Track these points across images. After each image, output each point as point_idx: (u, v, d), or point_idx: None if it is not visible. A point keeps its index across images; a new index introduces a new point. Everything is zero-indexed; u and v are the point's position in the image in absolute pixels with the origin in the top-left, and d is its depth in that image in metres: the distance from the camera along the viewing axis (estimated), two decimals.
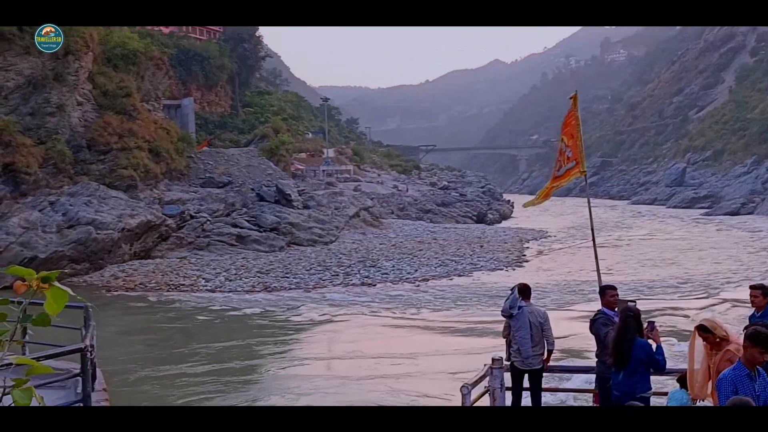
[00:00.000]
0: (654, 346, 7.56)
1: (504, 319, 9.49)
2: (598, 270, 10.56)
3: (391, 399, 15.37)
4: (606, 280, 31.80)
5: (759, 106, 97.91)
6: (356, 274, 35.90)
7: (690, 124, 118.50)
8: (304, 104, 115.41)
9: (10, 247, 32.49)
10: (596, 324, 8.52)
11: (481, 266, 38.22)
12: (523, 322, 9.18)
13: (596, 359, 8.70)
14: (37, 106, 37.50)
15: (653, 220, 70.93)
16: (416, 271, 36.89)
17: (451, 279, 34.82)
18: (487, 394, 8.31)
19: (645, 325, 7.75)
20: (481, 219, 69.01)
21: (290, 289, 32.80)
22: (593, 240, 10.87)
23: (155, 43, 55.22)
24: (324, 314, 27.00)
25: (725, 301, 27.70)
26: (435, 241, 48.55)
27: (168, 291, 32.24)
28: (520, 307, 9.23)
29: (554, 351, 9.77)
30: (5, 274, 27.67)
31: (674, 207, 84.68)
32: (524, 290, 9.48)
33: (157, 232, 39.15)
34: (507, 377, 8.86)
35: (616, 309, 8.49)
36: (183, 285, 33.18)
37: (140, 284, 33.13)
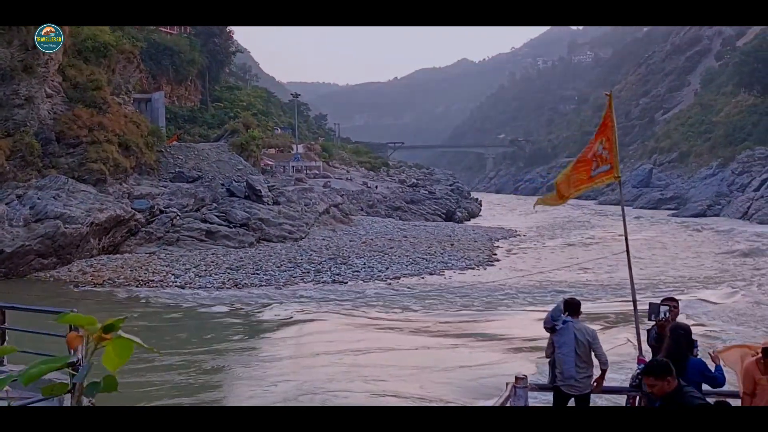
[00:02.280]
0: (712, 366, 7.08)
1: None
2: (632, 281, 9.42)
3: (365, 400, 15.49)
4: (582, 279, 32.33)
5: (724, 109, 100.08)
6: (327, 271, 35.91)
7: (656, 126, 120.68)
8: (273, 100, 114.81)
9: None
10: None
11: (453, 265, 38.53)
12: (567, 339, 8.32)
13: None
14: (5, 97, 36.77)
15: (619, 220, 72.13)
16: (387, 269, 37.03)
17: (422, 277, 35.05)
18: None
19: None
20: (450, 217, 69.44)
21: (261, 285, 32.70)
22: (627, 250, 9.38)
23: (126, 37, 54.47)
24: (295, 312, 27.02)
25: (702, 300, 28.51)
26: (405, 238, 48.76)
27: (137, 287, 31.92)
28: (565, 322, 8.41)
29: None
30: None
31: (641, 207, 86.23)
32: (572, 305, 8.71)
33: (126, 226, 38.71)
34: (531, 397, 8.13)
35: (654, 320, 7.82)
36: (152, 281, 32.87)
37: (109, 279, 32.74)
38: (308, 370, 19.04)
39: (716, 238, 54.55)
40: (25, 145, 36.37)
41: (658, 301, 7.95)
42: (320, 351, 21.06)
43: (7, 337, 8.30)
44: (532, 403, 7.88)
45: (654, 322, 7.91)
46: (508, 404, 7.37)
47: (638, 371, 7.61)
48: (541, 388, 8.50)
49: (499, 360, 19.54)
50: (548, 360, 8.57)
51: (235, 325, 25.17)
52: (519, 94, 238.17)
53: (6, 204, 34.05)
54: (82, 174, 38.90)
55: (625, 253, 9.35)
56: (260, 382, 18.00)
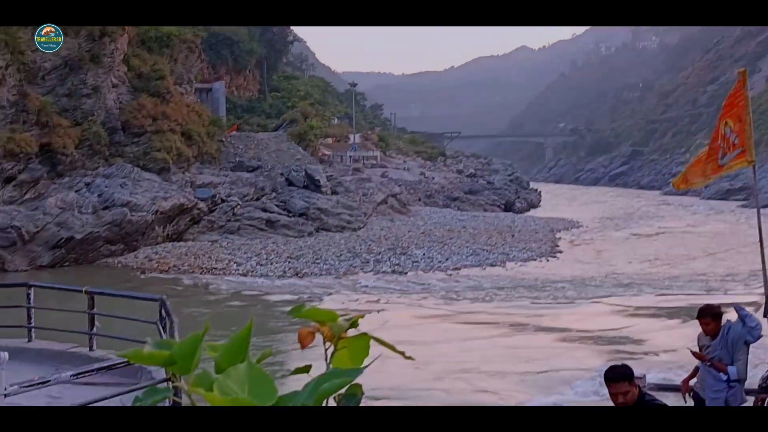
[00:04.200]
0: None
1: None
2: (765, 273, 8.44)
3: (439, 397, 15.21)
4: (653, 271, 31.30)
5: None
6: (387, 261, 35.71)
7: None
8: (330, 89, 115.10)
9: (47, 227, 32.76)
10: None
11: (514, 256, 37.84)
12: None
13: None
14: (73, 87, 37.67)
15: (687, 211, 69.94)
16: (447, 259, 36.61)
17: (483, 268, 34.52)
18: None
19: None
20: (509, 207, 68.44)
21: (321, 275, 32.73)
22: (761, 247, 8.35)
23: (188, 26, 55.22)
24: (358, 302, 26.89)
25: None
26: (464, 229, 48.19)
27: (201, 274, 32.35)
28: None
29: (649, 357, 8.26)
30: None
31: (708, 198, 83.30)
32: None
33: (189, 215, 39.28)
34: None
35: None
36: (215, 268, 33.26)
37: (174, 266, 33.26)
38: (376, 364, 18.81)
39: None
40: (93, 134, 37.18)
41: None
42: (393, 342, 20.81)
43: (97, 322, 8.33)
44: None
45: None
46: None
47: None
48: (661, 388, 7.99)
49: (568, 353, 19.00)
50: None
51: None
52: (580, 82, 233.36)
53: (75, 191, 34.91)
54: (147, 163, 39.59)
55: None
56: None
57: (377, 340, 1.44)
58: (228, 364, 1.11)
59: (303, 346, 1.42)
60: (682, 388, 7.46)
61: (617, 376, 4.65)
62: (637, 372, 7.79)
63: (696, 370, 7.46)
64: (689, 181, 9.35)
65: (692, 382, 7.40)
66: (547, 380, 16.24)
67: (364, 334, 1.43)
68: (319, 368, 1.39)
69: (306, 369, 1.41)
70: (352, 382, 1.24)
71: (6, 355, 4.17)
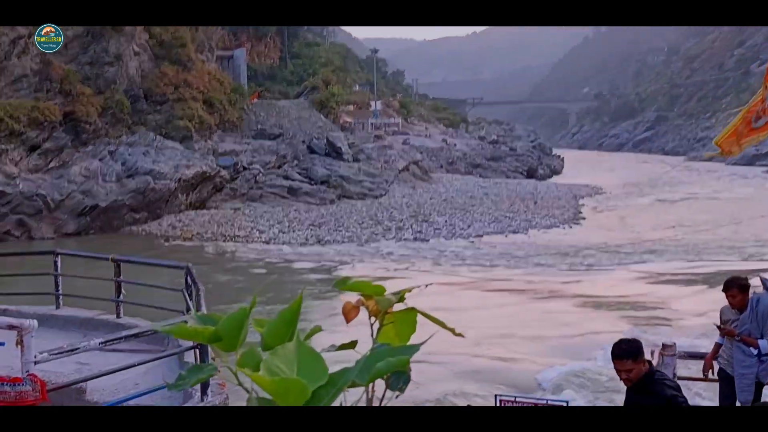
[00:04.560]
0: None
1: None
2: None
3: (472, 361, 15.20)
4: (678, 238, 30.81)
5: None
6: (408, 228, 35.66)
7: (752, 78, 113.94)
8: (351, 56, 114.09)
9: (72, 195, 33.06)
10: None
11: (537, 223, 37.59)
12: None
13: None
14: (95, 55, 37.67)
15: (712, 177, 68.95)
16: (469, 227, 36.47)
17: (506, 236, 34.34)
18: None
19: None
20: (531, 174, 67.92)
21: (343, 242, 32.76)
22: None
23: None
24: (379, 269, 26.89)
25: None
26: (486, 196, 47.95)
27: (224, 241, 32.53)
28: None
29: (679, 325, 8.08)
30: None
31: (733, 164, 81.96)
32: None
33: (212, 183, 39.42)
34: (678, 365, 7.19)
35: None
36: (238, 236, 33.42)
37: (197, 234, 33.47)
38: None
39: None
40: (116, 102, 37.26)
41: None
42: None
43: (123, 290, 8.36)
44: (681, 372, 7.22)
45: None
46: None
47: None
48: (690, 356, 7.77)
49: (599, 318, 18.92)
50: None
51: (320, 281, 25.26)
52: (604, 46, 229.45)
53: (99, 160, 35.12)
54: (169, 131, 39.66)
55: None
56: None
57: (425, 315, 1.36)
58: (275, 340, 1.03)
59: (348, 321, 1.34)
60: (704, 368, 7.11)
61: (621, 353, 4.49)
62: (666, 340, 7.65)
63: (716, 347, 7.08)
64: (726, 150, 8.93)
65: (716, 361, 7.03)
66: (580, 345, 16.22)
67: (412, 308, 1.34)
68: (361, 344, 1.31)
69: (352, 345, 1.33)
70: (403, 357, 1.15)
71: (35, 322, 4.15)
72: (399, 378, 1.30)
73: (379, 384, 1.28)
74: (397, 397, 1.36)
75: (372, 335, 1.37)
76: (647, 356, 8.22)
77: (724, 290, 6.79)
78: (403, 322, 1.32)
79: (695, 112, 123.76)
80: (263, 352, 0.99)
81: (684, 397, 4.64)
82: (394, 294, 1.35)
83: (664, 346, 7.16)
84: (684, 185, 61.63)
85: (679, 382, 7.40)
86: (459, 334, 1.43)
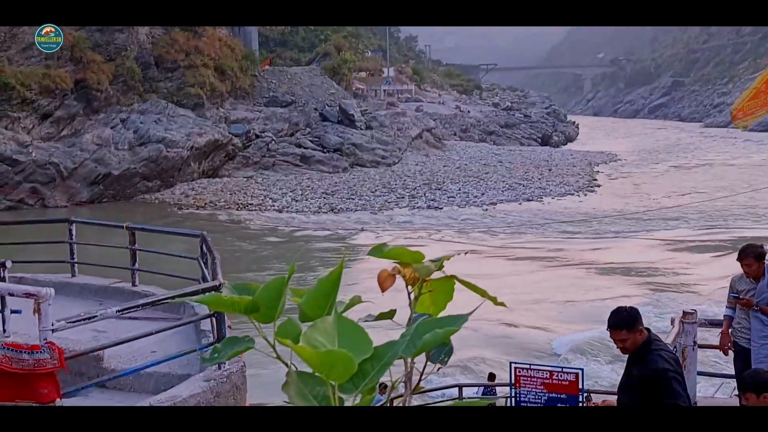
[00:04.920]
0: None
1: None
2: None
3: (496, 328, 15.20)
4: (693, 205, 30.48)
5: None
6: (422, 196, 35.55)
7: None
8: None
9: (84, 164, 33.10)
10: None
11: (551, 191, 37.35)
12: None
13: None
14: None
15: (729, 144, 68.12)
16: (483, 194, 36.31)
17: (520, 203, 34.17)
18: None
19: None
20: (546, 141, 67.36)
21: (356, 210, 32.73)
22: None
23: None
24: (393, 237, 26.83)
25: None
26: (500, 164, 47.66)
27: (237, 210, 32.56)
28: None
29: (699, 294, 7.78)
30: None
31: (750, 131, 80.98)
32: None
33: (224, 151, 39.33)
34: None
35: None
36: (251, 204, 33.44)
37: (210, 202, 33.51)
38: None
39: None
40: (127, 70, 37.06)
41: None
42: None
43: (138, 258, 8.32)
44: (701, 340, 7.06)
45: None
46: (678, 341, 6.66)
47: None
48: (711, 323, 7.57)
49: (610, 286, 18.83)
50: None
51: (333, 249, 25.25)
52: None
53: (111, 128, 35.06)
54: (181, 98, 39.48)
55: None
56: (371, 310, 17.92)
57: (465, 283, 1.25)
58: (313, 310, 0.93)
59: (383, 290, 1.26)
60: (721, 342, 6.60)
61: (615, 323, 4.35)
62: (687, 308, 7.51)
63: (728, 321, 6.61)
64: (749, 113, 8.63)
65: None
66: (596, 311, 16.21)
67: (452, 276, 1.24)
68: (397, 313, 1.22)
69: (390, 314, 1.24)
70: (448, 330, 1.05)
71: (52, 290, 4.09)
72: (441, 350, 1.21)
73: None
74: (438, 369, 1.27)
75: (410, 304, 1.27)
76: (668, 323, 8.07)
77: (738, 259, 6.42)
78: (440, 291, 1.22)
79: (712, 77, 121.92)
80: (302, 324, 0.90)
81: (679, 372, 4.48)
82: (433, 261, 1.24)
83: (685, 313, 6.96)
84: (699, 151, 60.97)
85: (699, 351, 7.27)
86: (501, 303, 1.32)
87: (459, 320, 0.95)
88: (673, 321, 7.21)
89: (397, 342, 0.93)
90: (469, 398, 12.92)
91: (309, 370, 0.86)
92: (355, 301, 1.06)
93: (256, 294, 0.89)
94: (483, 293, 1.28)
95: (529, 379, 10.73)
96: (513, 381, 10.67)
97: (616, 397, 5.97)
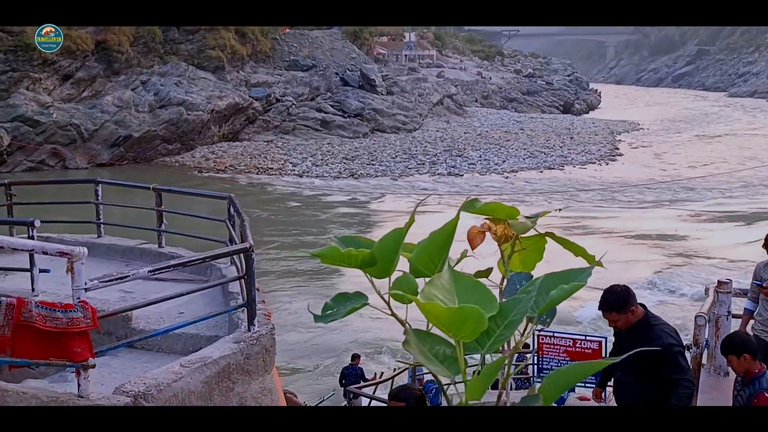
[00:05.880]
0: None
1: None
2: None
3: None
4: (719, 176, 30.16)
5: None
6: (442, 163, 35.34)
7: None
8: None
9: (105, 125, 33.12)
10: None
11: (572, 159, 36.98)
12: None
13: None
14: None
15: (754, 113, 66.92)
16: (504, 162, 36.02)
17: (541, 171, 33.87)
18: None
19: None
20: (567, 109, 66.56)
21: (377, 176, 32.61)
22: None
23: None
24: (413, 204, 26.71)
25: None
26: (522, 131, 47.19)
27: (257, 174, 32.54)
28: None
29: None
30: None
31: None
32: None
33: (245, 114, 39.20)
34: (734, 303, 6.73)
35: None
36: (271, 169, 33.39)
37: (230, 166, 33.51)
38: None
39: None
40: (147, 32, 36.84)
41: None
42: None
43: (165, 220, 8.26)
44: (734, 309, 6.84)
45: None
46: (713, 311, 6.48)
47: None
48: (746, 294, 7.33)
49: (635, 256, 18.67)
50: None
51: (353, 215, 25.21)
52: None
53: (132, 90, 35.00)
54: (201, 61, 39.27)
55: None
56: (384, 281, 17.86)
57: (563, 241, 1.15)
58: (425, 265, 0.84)
59: (473, 247, 1.17)
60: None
61: (605, 306, 4.26)
62: (721, 277, 7.34)
63: (748, 316, 6.09)
64: None
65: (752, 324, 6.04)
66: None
67: (547, 233, 1.14)
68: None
69: (487, 272, 1.14)
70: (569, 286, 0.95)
71: (85, 249, 4.03)
72: (545, 311, 1.11)
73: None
74: (541, 330, 1.20)
75: (500, 263, 1.17)
76: (702, 293, 7.88)
77: (765, 245, 5.87)
78: (532, 250, 1.12)
79: (738, 46, 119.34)
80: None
81: (683, 345, 4.41)
82: (528, 218, 1.13)
83: (720, 282, 6.82)
84: (724, 121, 59.97)
85: (733, 321, 7.05)
86: (598, 263, 1.22)
87: (584, 274, 0.85)
88: (707, 290, 7.09)
89: (523, 299, 0.84)
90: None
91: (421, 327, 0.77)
92: (464, 255, 0.97)
93: (374, 247, 0.80)
94: (582, 252, 1.19)
95: (552, 346, 10.64)
96: (536, 348, 10.58)
97: (590, 394, 5.78)
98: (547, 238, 1.20)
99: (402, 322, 0.78)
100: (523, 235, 1.14)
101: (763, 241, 6.00)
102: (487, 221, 1.10)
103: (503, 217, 1.07)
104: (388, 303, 0.80)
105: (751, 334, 5.71)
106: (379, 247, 0.80)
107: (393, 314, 0.77)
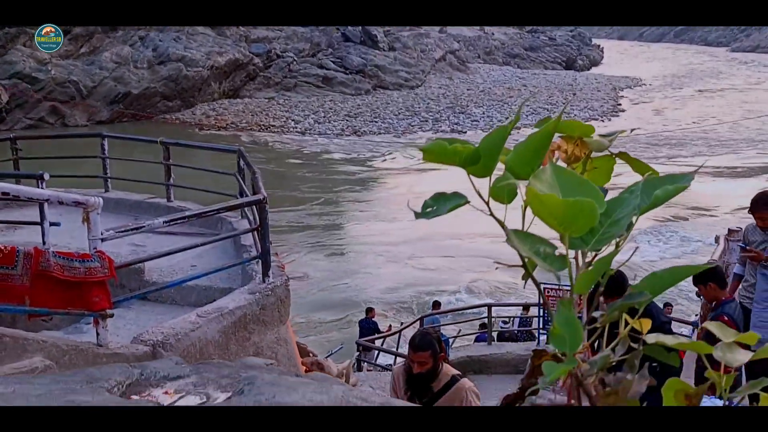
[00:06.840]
0: None
1: None
2: None
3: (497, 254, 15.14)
4: (721, 131, 30.06)
5: None
6: (445, 120, 35.14)
7: None
8: None
9: (103, 82, 32.80)
10: None
11: (575, 115, 36.71)
12: None
13: None
14: None
15: (756, 68, 66.27)
16: (507, 119, 35.75)
17: None
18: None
19: None
20: (570, 65, 65.93)
21: (380, 133, 32.46)
22: None
23: None
24: (416, 161, 26.62)
25: None
26: (524, 87, 46.79)
27: (259, 131, 32.36)
28: None
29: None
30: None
31: None
32: None
33: (245, 71, 38.80)
34: None
35: None
36: (273, 126, 33.19)
37: (231, 123, 33.29)
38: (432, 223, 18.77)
39: None
40: None
41: None
42: None
43: (173, 174, 8.21)
44: None
45: None
46: (723, 258, 6.49)
47: None
48: None
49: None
50: None
51: (356, 172, 25.12)
52: None
53: (130, 46, 34.57)
54: None
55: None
56: (389, 237, 17.89)
57: (634, 161, 1.10)
58: (522, 168, 0.80)
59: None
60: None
61: (756, 207, 4.69)
62: (732, 225, 7.36)
63: (737, 280, 5.74)
64: None
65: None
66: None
67: (620, 153, 1.09)
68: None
69: None
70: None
71: (101, 200, 4.00)
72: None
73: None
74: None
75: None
76: (713, 242, 7.87)
77: (751, 211, 5.35)
78: (601, 170, 1.07)
79: None
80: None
81: (670, 321, 4.58)
82: (604, 136, 1.08)
83: (730, 231, 6.94)
84: (725, 76, 59.43)
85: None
86: (693, 176, 1.18)
87: (686, 178, 0.82)
88: (717, 239, 7.10)
89: (627, 198, 0.81)
90: (499, 317, 13.03)
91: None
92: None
93: (480, 143, 0.77)
94: (648, 168, 1.15)
95: (558, 299, 10.76)
96: (542, 301, 10.65)
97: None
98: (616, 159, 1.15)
99: (501, 223, 0.75)
100: (593, 155, 1.09)
101: (749, 206, 5.41)
102: (558, 140, 1.06)
103: (580, 134, 1.02)
104: (487, 203, 0.77)
105: (737, 300, 5.34)
106: (484, 144, 0.77)
107: (491, 214, 0.75)
